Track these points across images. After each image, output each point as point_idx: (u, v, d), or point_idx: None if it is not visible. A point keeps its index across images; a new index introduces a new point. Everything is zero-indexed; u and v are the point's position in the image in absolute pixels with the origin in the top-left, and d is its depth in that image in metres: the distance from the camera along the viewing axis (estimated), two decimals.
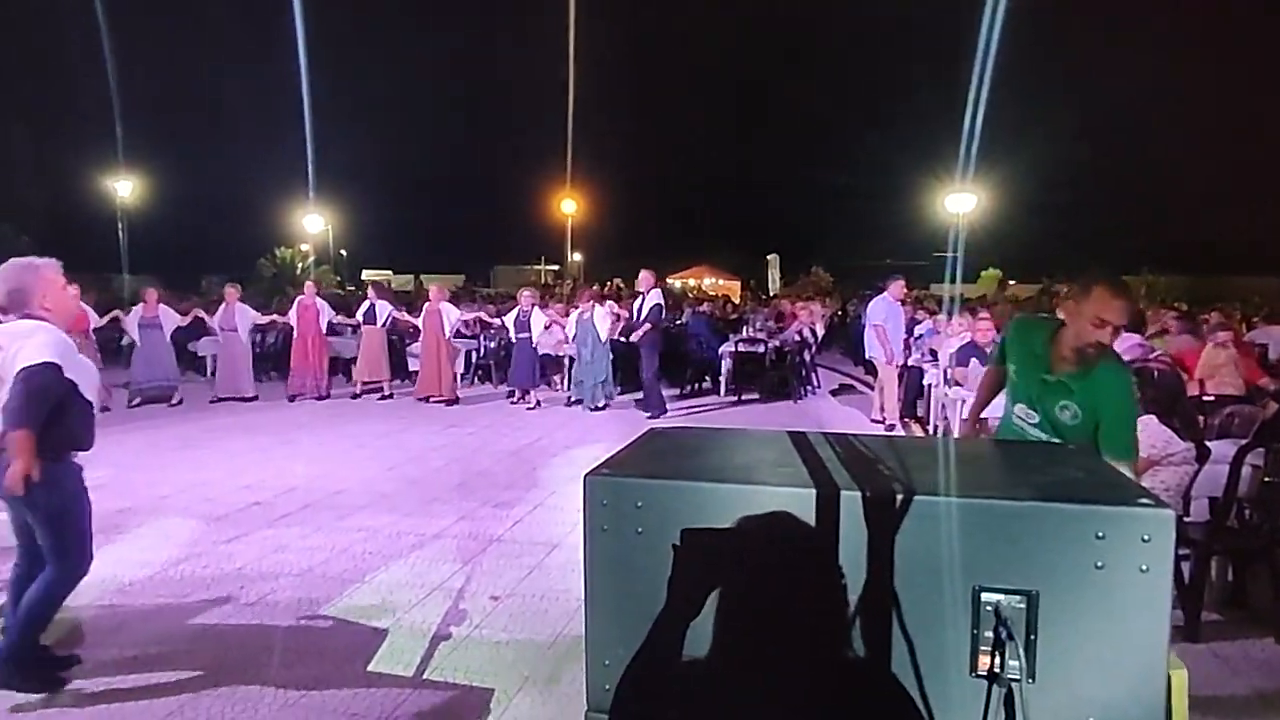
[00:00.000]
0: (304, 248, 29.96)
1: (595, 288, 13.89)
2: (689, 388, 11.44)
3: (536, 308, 10.62)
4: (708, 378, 11.69)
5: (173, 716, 2.90)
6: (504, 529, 5.10)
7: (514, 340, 10.46)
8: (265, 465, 6.80)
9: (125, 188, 26.08)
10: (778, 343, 11.28)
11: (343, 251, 36.22)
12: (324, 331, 10.93)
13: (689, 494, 1.73)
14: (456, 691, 3.08)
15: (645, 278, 10.06)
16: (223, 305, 10.58)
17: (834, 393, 11.76)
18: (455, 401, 10.40)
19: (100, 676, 3.15)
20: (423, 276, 35.22)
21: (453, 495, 5.93)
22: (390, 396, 10.68)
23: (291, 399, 10.44)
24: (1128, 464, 2.57)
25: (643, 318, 9.61)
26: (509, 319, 10.66)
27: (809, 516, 1.66)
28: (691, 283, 34.07)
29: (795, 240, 37.36)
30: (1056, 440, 2.73)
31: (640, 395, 9.92)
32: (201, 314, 10.76)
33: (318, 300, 11.08)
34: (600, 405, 9.86)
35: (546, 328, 10.57)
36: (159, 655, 3.34)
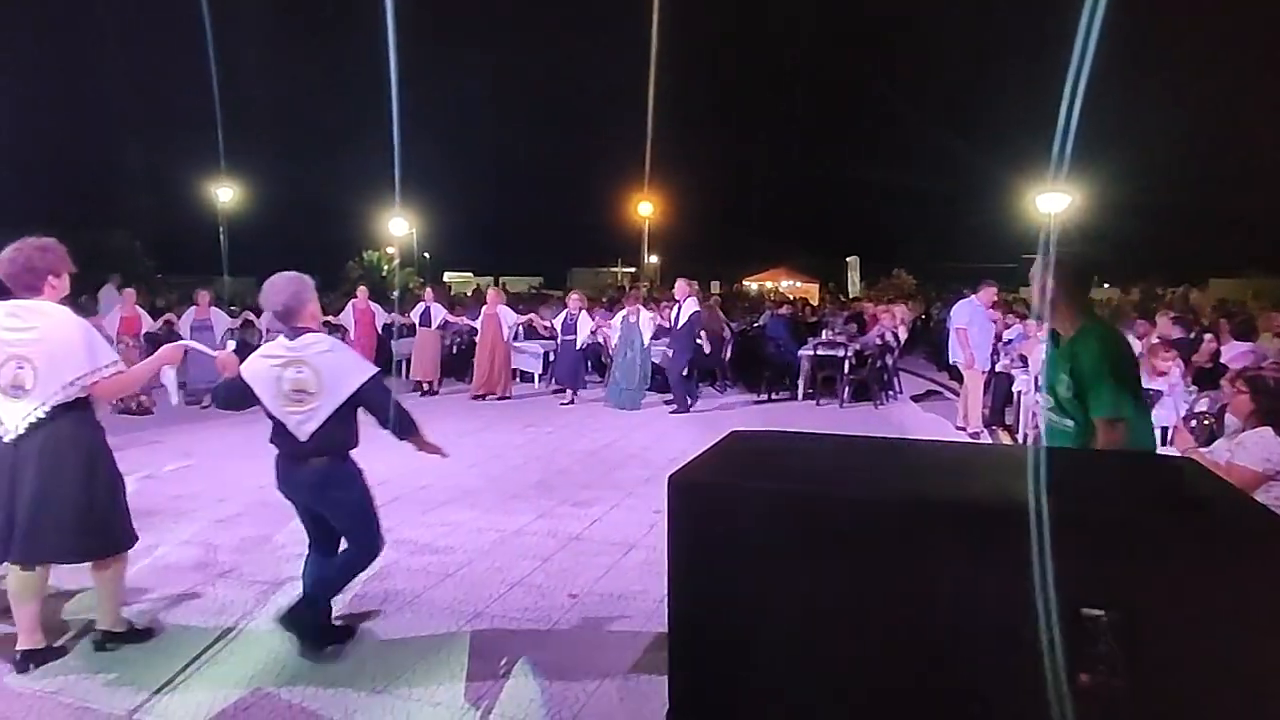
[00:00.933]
0: (390, 250, 31.02)
1: (639, 291, 14.28)
2: (766, 391, 11.33)
3: (584, 311, 11.15)
4: (786, 380, 11.56)
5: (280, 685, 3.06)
6: (582, 528, 5.17)
7: (560, 342, 11.06)
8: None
9: (226, 194, 27.56)
10: (858, 346, 11.07)
11: (426, 254, 37.31)
12: (379, 332, 11.69)
13: (774, 498, 1.73)
14: (537, 686, 3.14)
15: (681, 287, 10.62)
16: (193, 308, 10.91)
17: (917, 398, 11.45)
18: (507, 397, 10.94)
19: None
20: (502, 279, 36.01)
21: (532, 493, 6.05)
22: (436, 393, 11.37)
23: None
24: (1105, 421, 2.54)
25: (679, 326, 10.11)
26: (557, 321, 11.31)
27: (899, 525, 1.63)
28: (769, 285, 33.71)
29: (876, 242, 36.54)
30: (1068, 422, 2.70)
31: (715, 393, 9.97)
32: (251, 316, 11.32)
33: (371, 303, 11.86)
34: (634, 408, 10.19)
35: (593, 331, 11.08)
36: (261, 636, 3.52)
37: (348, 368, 3.23)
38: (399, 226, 31.14)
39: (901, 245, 36.85)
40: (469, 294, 21.97)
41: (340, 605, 3.91)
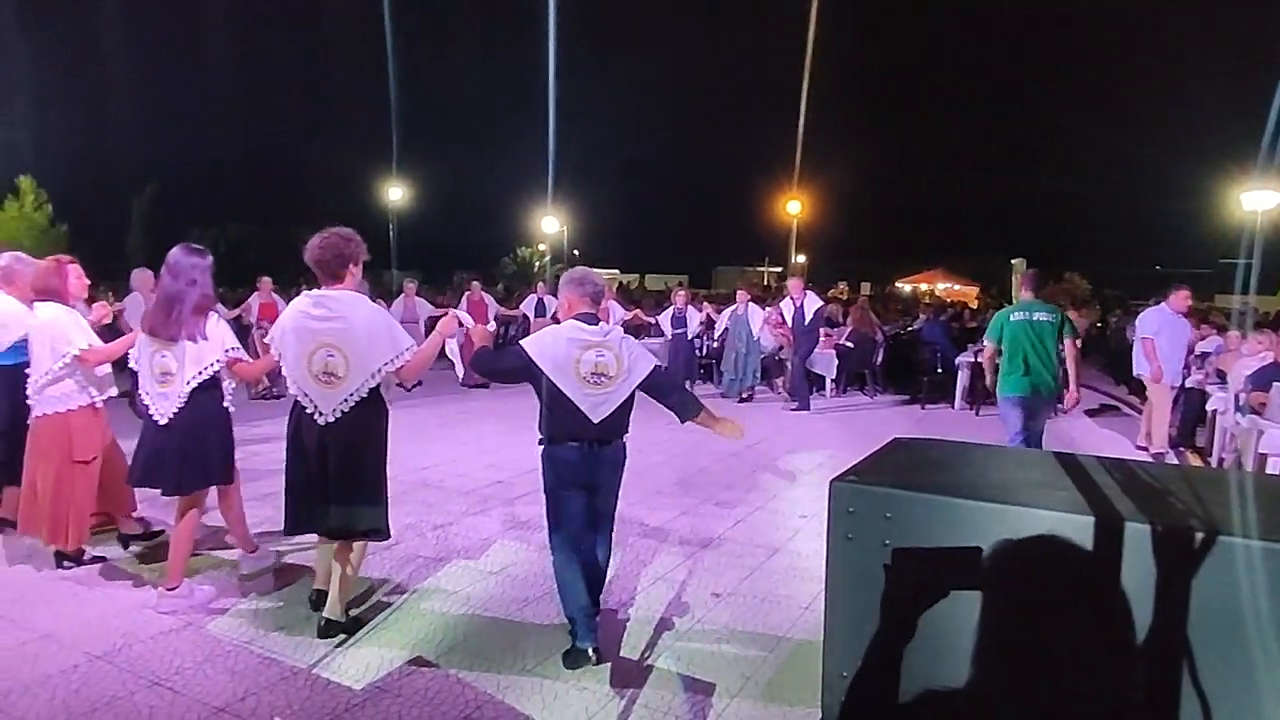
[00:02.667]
0: (541, 247, 32.26)
1: (751, 287, 14.69)
2: (923, 398, 10.83)
3: (691, 306, 11.83)
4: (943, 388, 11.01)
5: (446, 650, 3.25)
6: (725, 528, 5.15)
7: (669, 336, 11.47)
8: (507, 448, 7.40)
9: (396, 193, 29.64)
10: None
11: (576, 251, 38.46)
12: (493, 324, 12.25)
13: (943, 509, 1.64)
14: (680, 682, 3.15)
15: (795, 285, 10.64)
16: (401, 297, 11.92)
17: (1090, 413, 10.58)
18: None
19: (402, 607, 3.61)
20: (648, 276, 36.51)
21: (674, 490, 6.09)
22: None
23: (469, 387, 10.76)
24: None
25: (808, 323, 10.15)
26: (664, 317, 11.75)
27: (1084, 545, 1.51)
28: (924, 287, 32.23)
29: (1044, 243, 34.08)
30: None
31: (845, 393, 9.66)
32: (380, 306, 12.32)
33: (485, 295, 12.47)
34: (745, 397, 10.63)
35: (702, 324, 11.74)
36: (421, 607, 3.76)
37: (641, 355, 3.31)
38: (550, 224, 32.29)
39: (1074, 247, 34.16)
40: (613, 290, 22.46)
41: (495, 583, 4.10)
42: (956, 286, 32.94)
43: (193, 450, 3.58)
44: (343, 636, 3.40)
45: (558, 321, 3.35)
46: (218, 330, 3.61)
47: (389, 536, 3.49)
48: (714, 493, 6.03)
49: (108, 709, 2.86)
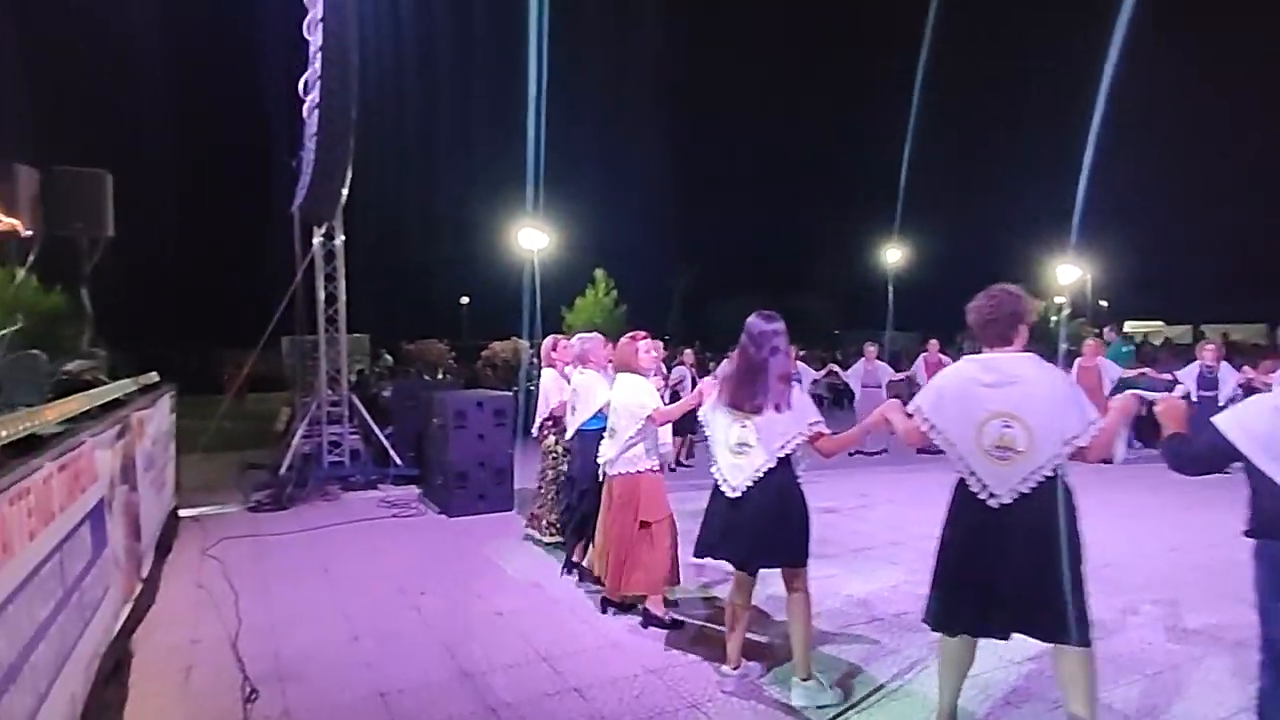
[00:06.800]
0: (1059, 300, 28.92)
1: None
2: None
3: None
4: None
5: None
6: None
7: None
8: (1184, 527, 6.68)
9: (894, 254, 29.84)
10: None
11: (1103, 302, 33.63)
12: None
13: None
14: None
15: None
16: (860, 361, 11.40)
17: None
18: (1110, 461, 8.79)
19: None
20: (1203, 327, 29.90)
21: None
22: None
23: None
24: None
25: None
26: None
27: None
28: None
29: None
30: None
31: None
32: (835, 368, 12.21)
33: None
34: None
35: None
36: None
37: None
38: (1067, 273, 28.86)
39: None
40: (1157, 345, 18.90)
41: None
42: None
43: (766, 526, 3.36)
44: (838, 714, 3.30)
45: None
46: (801, 401, 3.44)
47: (1089, 645, 2.78)
48: None
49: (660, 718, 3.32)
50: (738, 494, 3.39)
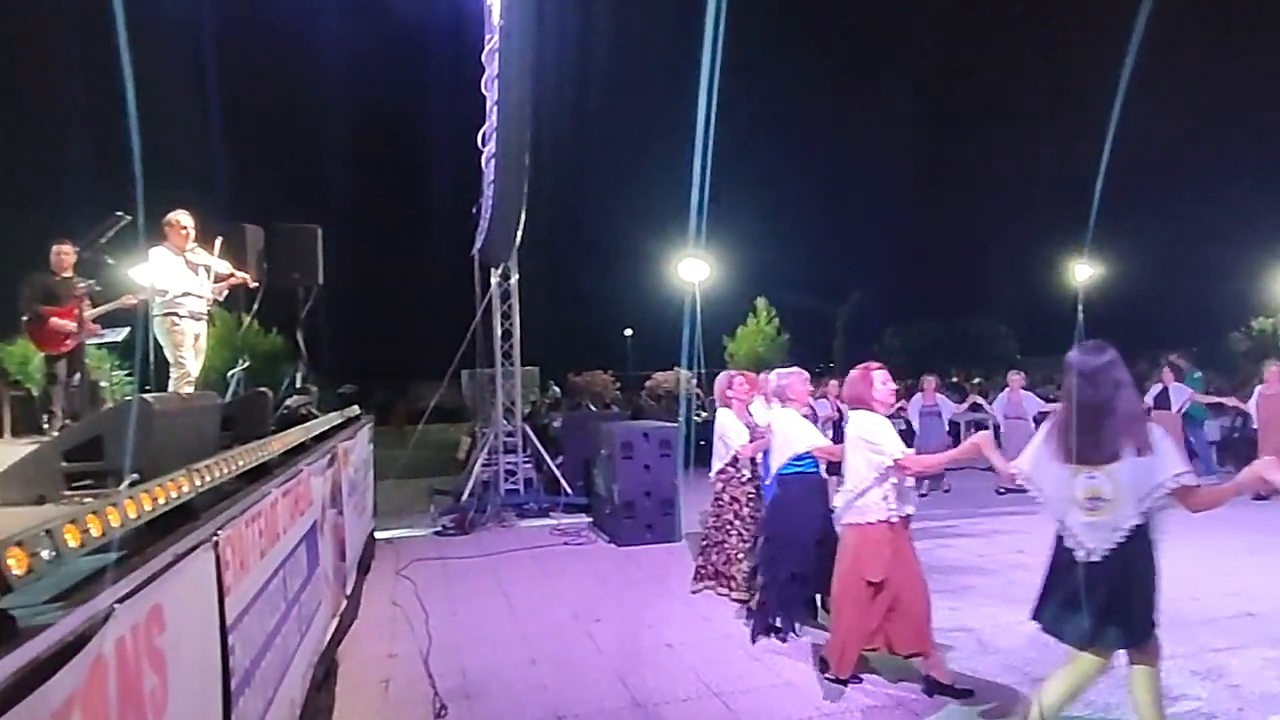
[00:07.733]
0: None
1: None
2: None
3: None
4: None
5: None
6: None
7: None
8: (1259, 569, 5.87)
9: (1084, 271, 27.43)
10: None
11: None
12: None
13: None
14: None
15: None
16: (1005, 392, 10.66)
17: None
18: None
19: None
20: None
21: None
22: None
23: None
24: None
25: None
26: None
27: None
28: None
29: None
30: None
31: None
32: (979, 399, 11.74)
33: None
34: None
35: None
36: None
37: None
38: None
39: None
40: None
41: None
42: None
43: (1123, 596, 2.84)
44: None
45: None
46: (1165, 445, 2.83)
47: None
48: None
49: None
50: (1098, 556, 2.87)
